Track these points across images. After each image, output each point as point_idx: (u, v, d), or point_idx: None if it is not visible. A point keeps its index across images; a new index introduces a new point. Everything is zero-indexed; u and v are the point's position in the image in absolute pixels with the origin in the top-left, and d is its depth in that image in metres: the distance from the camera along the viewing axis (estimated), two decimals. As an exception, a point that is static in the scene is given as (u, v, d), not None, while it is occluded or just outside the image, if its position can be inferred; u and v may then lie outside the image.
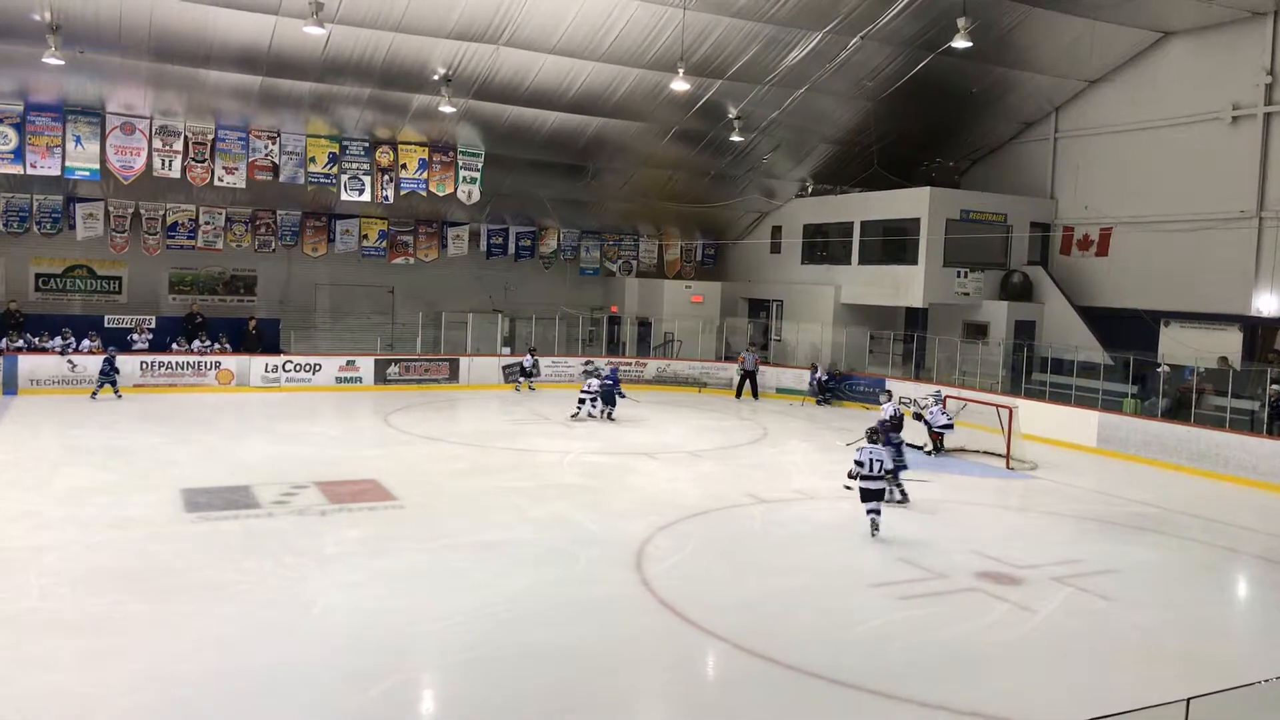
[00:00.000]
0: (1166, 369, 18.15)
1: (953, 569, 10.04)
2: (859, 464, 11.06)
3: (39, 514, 10.79)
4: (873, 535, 10.97)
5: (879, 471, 11.06)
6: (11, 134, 19.23)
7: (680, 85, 18.29)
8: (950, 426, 16.84)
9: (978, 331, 22.90)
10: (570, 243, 27.56)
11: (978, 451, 16.85)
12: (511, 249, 26.87)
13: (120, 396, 19.47)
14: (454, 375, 23.53)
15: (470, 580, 9.22)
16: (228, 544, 10.00)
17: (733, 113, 22.05)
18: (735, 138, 22.55)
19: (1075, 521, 12.63)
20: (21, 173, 19.54)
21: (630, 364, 25.00)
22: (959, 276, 22.96)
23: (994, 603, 9.07)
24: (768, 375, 23.94)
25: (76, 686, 6.60)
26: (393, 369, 22.90)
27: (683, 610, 8.55)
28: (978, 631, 8.41)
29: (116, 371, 19.60)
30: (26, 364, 19.68)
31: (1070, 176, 23.34)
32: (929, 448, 16.78)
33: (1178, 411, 17.28)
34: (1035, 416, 17.78)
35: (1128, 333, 20.55)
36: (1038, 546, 11.20)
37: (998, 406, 16.68)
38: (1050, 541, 11.60)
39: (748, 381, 23.72)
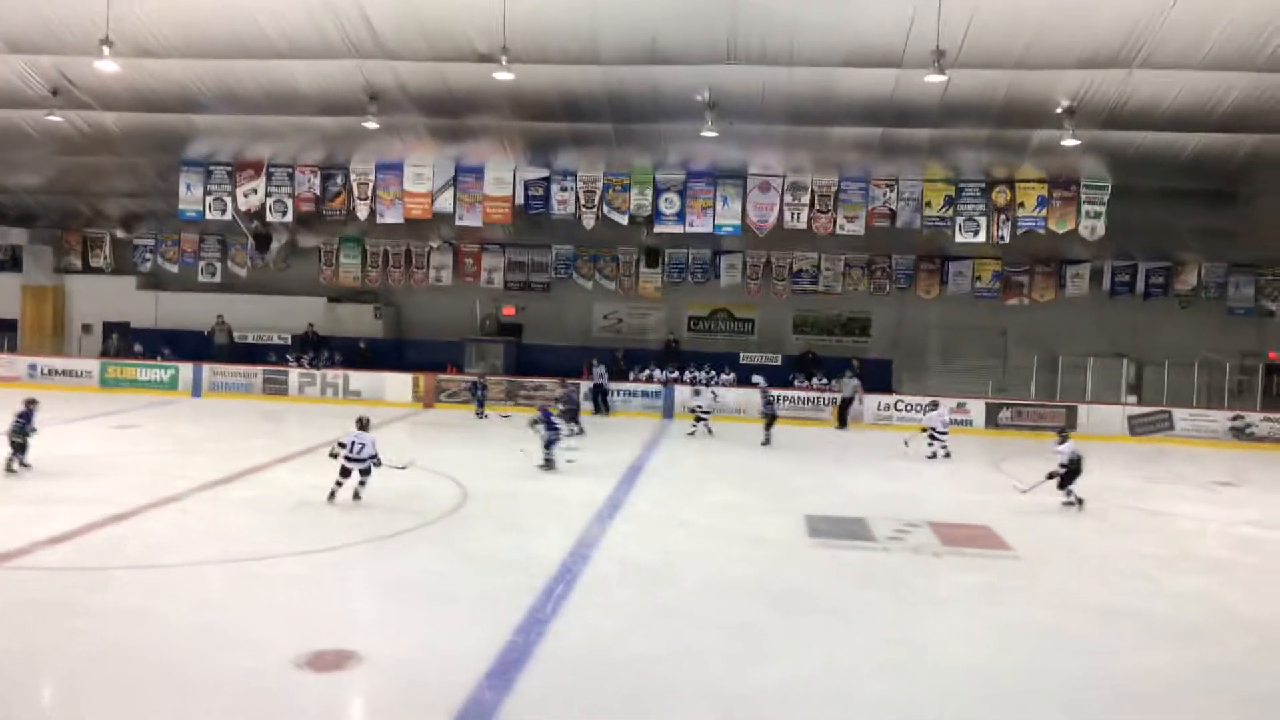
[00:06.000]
0: None
1: None
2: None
3: (691, 524, 12.47)
4: None
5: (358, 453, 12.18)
6: (676, 199, 22.66)
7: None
8: None
9: None
10: (1215, 279, 24.21)
11: None
12: (1140, 287, 24.45)
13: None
14: (1071, 424, 22.02)
15: (1093, 646, 8.48)
16: (847, 573, 10.53)
17: None
18: None
19: None
20: (682, 231, 22.93)
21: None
22: None
23: None
24: None
25: (723, 683, 7.42)
26: (1004, 414, 22.24)
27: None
28: None
29: None
30: (680, 394, 23.06)
31: None
32: None
33: None
34: None
35: None
36: None
37: None
38: None
39: None
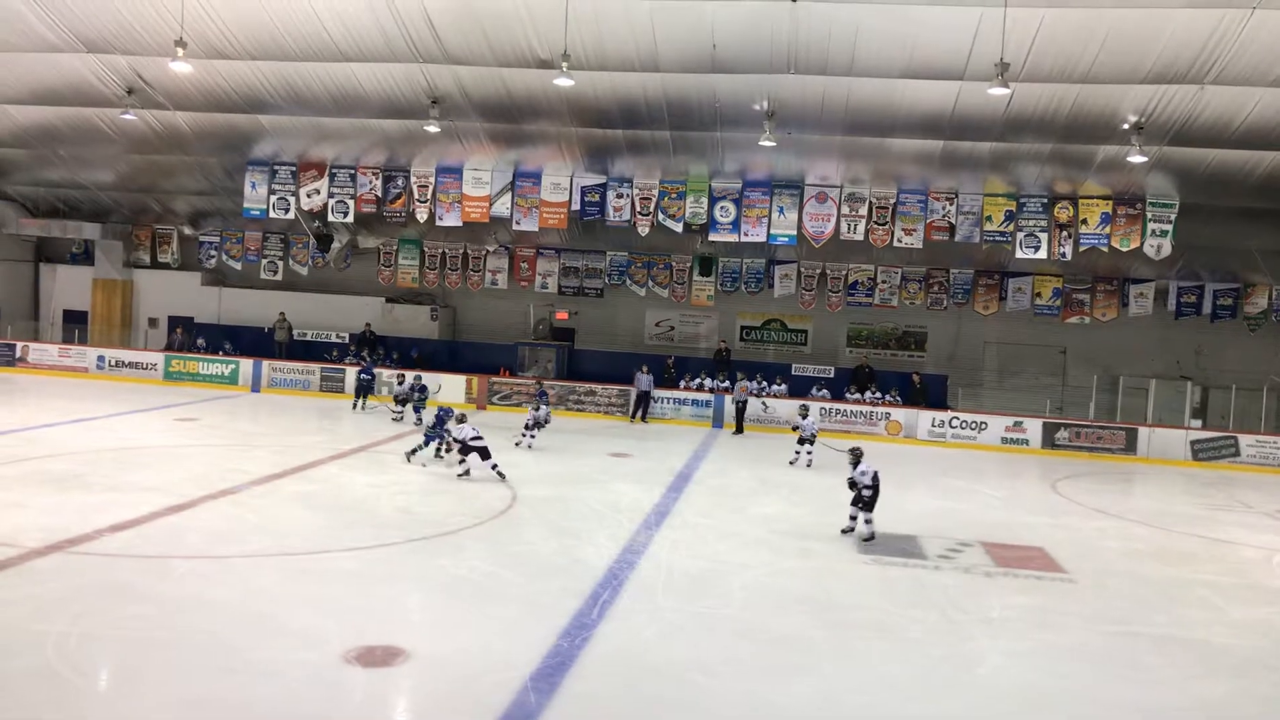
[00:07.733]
0: None
1: None
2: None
3: (739, 534, 12.42)
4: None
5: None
6: (731, 208, 22.62)
7: None
8: None
9: None
10: (1286, 301, 23.53)
11: None
12: (1207, 308, 23.84)
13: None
14: (1131, 446, 21.54)
15: (1150, 675, 8.29)
16: (896, 590, 10.40)
17: None
18: None
19: None
20: (737, 240, 22.86)
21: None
22: None
23: None
24: None
25: (764, 694, 7.38)
26: (1062, 434, 21.79)
27: None
28: None
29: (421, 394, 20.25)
30: (729, 401, 23.01)
31: None
32: None
33: None
34: None
35: None
36: None
37: None
38: None
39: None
